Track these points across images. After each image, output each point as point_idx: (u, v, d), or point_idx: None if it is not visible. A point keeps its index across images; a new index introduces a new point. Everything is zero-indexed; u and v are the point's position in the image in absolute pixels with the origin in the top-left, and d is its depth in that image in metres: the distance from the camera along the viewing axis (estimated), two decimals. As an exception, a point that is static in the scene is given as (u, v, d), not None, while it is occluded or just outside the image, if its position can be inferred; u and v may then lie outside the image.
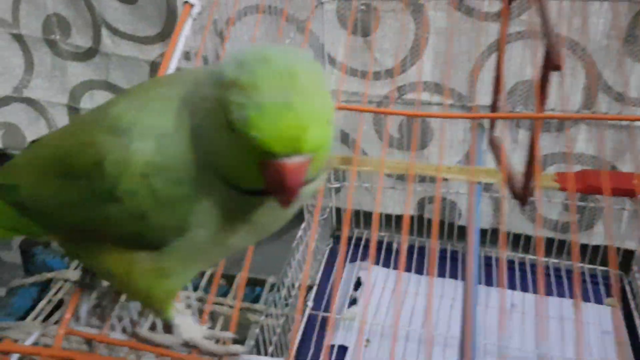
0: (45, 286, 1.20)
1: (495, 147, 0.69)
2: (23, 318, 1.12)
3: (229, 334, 0.46)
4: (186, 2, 0.62)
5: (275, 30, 0.83)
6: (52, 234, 0.48)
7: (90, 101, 1.38)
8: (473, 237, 0.85)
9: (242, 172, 0.36)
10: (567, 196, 1.19)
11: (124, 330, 0.48)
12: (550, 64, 0.51)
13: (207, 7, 0.66)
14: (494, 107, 0.70)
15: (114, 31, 1.28)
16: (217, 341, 0.46)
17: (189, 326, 0.46)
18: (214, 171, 0.38)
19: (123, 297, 0.53)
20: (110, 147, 0.40)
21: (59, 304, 1.16)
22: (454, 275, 1.17)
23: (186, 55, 0.62)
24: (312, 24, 0.78)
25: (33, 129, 1.43)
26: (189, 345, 0.46)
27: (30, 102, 1.41)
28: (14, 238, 0.50)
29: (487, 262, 1.19)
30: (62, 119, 1.41)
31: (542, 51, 0.55)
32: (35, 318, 1.10)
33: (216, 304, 1.11)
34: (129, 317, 0.53)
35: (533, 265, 1.20)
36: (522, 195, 0.61)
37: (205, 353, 0.45)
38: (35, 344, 0.48)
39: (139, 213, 0.40)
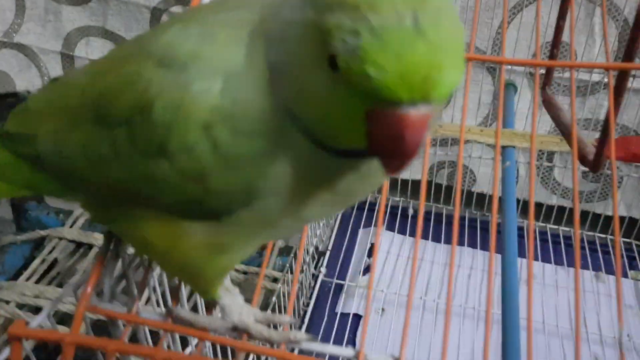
0: (38, 244, 1.13)
1: (552, 106, 0.63)
2: (15, 278, 1.05)
3: (287, 318, 0.39)
4: None
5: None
6: (77, 194, 0.40)
7: (86, 49, 1.30)
8: (509, 206, 0.79)
9: (340, 124, 0.28)
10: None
11: (160, 307, 0.41)
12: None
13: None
14: (552, 57, 0.63)
15: None
16: (271, 325, 0.39)
17: (239, 307, 0.38)
18: (298, 123, 0.30)
19: (157, 269, 0.45)
20: (163, 85, 0.32)
21: (53, 264, 1.10)
22: (472, 245, 1.12)
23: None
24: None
25: (24, 77, 1.35)
26: (238, 330, 0.38)
27: (21, 48, 1.32)
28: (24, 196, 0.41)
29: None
30: (54, 67, 1.33)
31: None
32: (28, 278, 1.03)
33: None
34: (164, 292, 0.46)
35: (554, 235, 1.15)
36: (596, 161, 0.56)
37: (258, 338, 0.38)
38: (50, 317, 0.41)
39: (197, 173, 0.32)
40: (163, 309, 0.42)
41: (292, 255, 1.00)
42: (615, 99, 0.52)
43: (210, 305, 0.41)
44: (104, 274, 0.41)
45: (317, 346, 0.37)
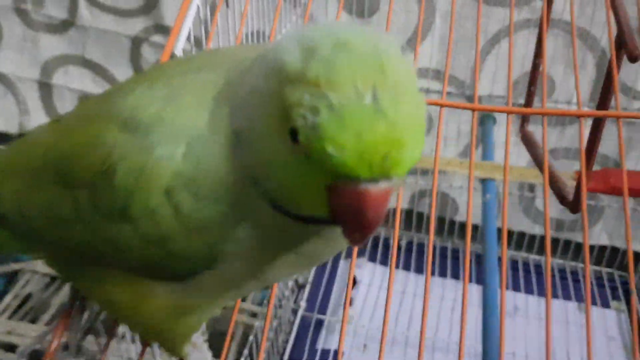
0: (11, 278, 1.11)
1: (530, 143, 0.63)
2: (-12, 313, 1.03)
3: None
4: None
5: (270, 11, 0.75)
6: (40, 253, 0.39)
7: (64, 78, 1.29)
8: (490, 238, 0.79)
9: (302, 194, 0.28)
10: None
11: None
12: (627, 52, 0.44)
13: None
14: (528, 100, 0.63)
15: (93, 2, 1.20)
16: None
17: None
18: (261, 188, 0.29)
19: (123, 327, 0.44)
20: (126, 150, 0.31)
21: (27, 298, 1.08)
22: (455, 276, 1.11)
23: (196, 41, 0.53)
24: (312, 4, 0.71)
25: (0, 106, 1.33)
26: None
27: (-2, 76, 1.31)
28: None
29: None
30: (32, 96, 1.32)
31: (605, 41, 0.48)
32: (1, 313, 1.01)
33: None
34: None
35: (537, 266, 1.14)
36: (575, 202, 0.55)
37: None
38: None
39: (159, 238, 0.32)
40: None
41: (270, 289, 0.98)
42: (593, 141, 0.52)
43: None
44: (70, 329, 0.39)
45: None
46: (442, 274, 1.10)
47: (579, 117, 0.50)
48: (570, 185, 0.87)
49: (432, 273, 1.11)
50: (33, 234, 0.37)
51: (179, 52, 0.49)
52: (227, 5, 0.59)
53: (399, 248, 1.18)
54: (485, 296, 0.79)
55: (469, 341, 1.00)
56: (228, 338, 0.41)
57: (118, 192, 0.32)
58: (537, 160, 0.62)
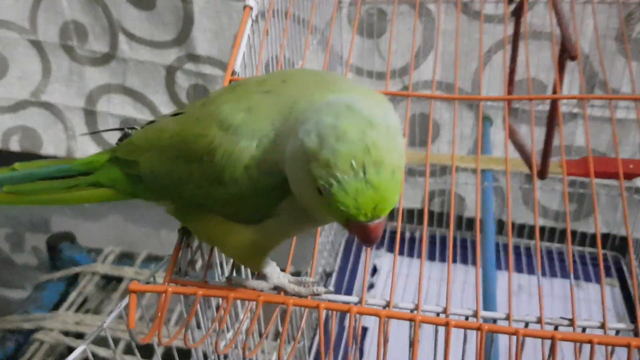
0: (72, 281, 1.24)
1: (513, 132, 0.77)
2: (54, 310, 1.15)
3: (311, 279, 0.53)
4: (246, 5, 0.69)
5: (298, 37, 0.89)
6: (164, 202, 0.54)
7: (107, 105, 1.42)
8: (488, 222, 0.92)
9: (328, 219, 0.45)
10: (567, 185, 1.27)
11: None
12: (568, 54, 0.58)
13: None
14: (509, 95, 0.77)
15: (131, 37, 1.32)
16: (301, 285, 0.53)
17: (277, 273, 0.53)
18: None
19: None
20: (222, 141, 0.46)
21: (87, 297, 1.20)
22: (464, 261, 1.24)
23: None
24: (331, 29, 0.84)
25: (51, 133, 1.47)
26: (278, 289, 0.53)
27: (47, 106, 1.44)
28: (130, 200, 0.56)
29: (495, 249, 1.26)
30: (78, 122, 1.45)
31: (558, 43, 0.62)
32: (68, 309, 1.14)
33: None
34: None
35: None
36: (542, 170, 0.69)
37: (292, 294, 0.52)
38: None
39: (240, 196, 0.47)
40: (223, 278, 0.58)
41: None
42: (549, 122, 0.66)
43: (258, 275, 0.55)
44: (180, 258, 0.54)
45: (332, 296, 0.52)
46: (452, 260, 1.24)
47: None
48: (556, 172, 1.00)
49: (443, 260, 1.24)
50: (161, 189, 0.53)
51: (238, 70, 0.64)
52: (267, 34, 0.74)
53: (413, 239, 1.31)
54: (484, 275, 0.92)
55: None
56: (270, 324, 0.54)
57: (216, 166, 0.47)
58: (516, 143, 0.76)
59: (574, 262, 1.24)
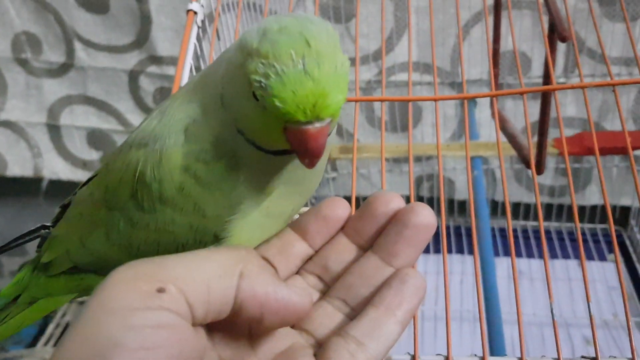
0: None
1: (502, 120, 0.70)
2: (32, 345, 1.10)
3: None
4: (189, 10, 0.61)
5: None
6: (99, 278, 0.46)
7: (70, 117, 1.36)
8: (481, 206, 0.86)
9: (268, 135, 0.37)
10: (558, 161, 1.21)
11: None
12: (558, 35, 0.51)
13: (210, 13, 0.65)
14: (495, 82, 0.70)
15: (88, 43, 1.26)
16: None
17: None
18: (244, 136, 0.38)
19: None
20: (145, 157, 0.40)
21: (67, 327, 1.15)
22: (459, 251, 1.18)
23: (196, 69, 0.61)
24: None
25: (14, 152, 1.41)
26: None
27: (7, 124, 1.38)
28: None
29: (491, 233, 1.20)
30: (42, 138, 1.39)
31: (546, 22, 0.55)
32: (46, 343, 1.08)
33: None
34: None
35: (535, 232, 1.22)
36: (538, 164, 0.62)
37: None
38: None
39: (192, 205, 0.40)
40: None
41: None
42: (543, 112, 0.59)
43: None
44: None
45: None
46: (447, 251, 1.17)
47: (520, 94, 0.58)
48: (550, 152, 0.94)
49: (438, 251, 1.18)
50: (104, 260, 0.45)
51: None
52: (219, 38, 0.66)
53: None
54: (482, 263, 0.86)
55: (474, 307, 1.07)
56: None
57: (152, 186, 0.40)
58: (507, 133, 0.70)
59: (573, 240, 1.18)
